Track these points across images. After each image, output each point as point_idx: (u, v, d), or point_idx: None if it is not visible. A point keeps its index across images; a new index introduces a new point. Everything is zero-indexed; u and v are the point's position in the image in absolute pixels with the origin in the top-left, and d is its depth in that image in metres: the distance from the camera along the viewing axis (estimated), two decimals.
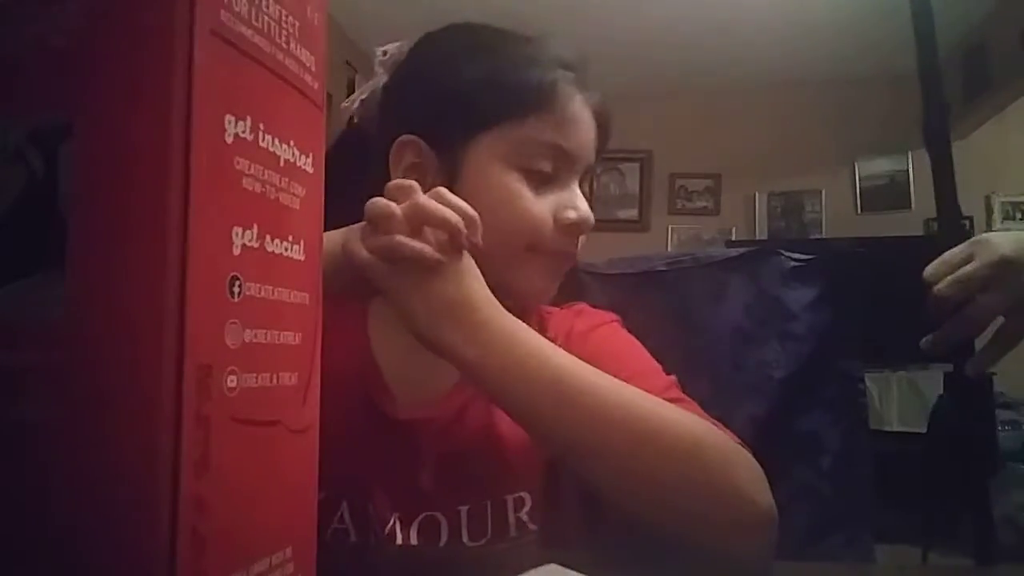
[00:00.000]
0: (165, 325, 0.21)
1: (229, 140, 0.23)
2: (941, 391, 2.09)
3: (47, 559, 0.22)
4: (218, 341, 0.23)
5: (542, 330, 0.63)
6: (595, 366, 0.53)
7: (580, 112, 0.67)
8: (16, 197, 0.21)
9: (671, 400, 0.56)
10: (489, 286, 0.54)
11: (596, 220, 0.68)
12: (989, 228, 4.02)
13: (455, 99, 0.65)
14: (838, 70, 3.88)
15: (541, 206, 0.65)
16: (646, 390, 0.54)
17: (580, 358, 0.53)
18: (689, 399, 0.62)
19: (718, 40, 3.70)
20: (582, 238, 0.68)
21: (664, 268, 0.93)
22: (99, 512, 0.21)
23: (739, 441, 0.55)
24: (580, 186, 0.69)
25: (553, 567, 0.32)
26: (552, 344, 0.54)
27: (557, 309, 0.75)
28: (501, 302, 0.54)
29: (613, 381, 0.53)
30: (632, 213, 4.42)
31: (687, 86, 4.20)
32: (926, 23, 1.15)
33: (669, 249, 4.27)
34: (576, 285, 0.82)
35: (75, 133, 0.21)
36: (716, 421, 0.57)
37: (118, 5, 0.22)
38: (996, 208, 4.02)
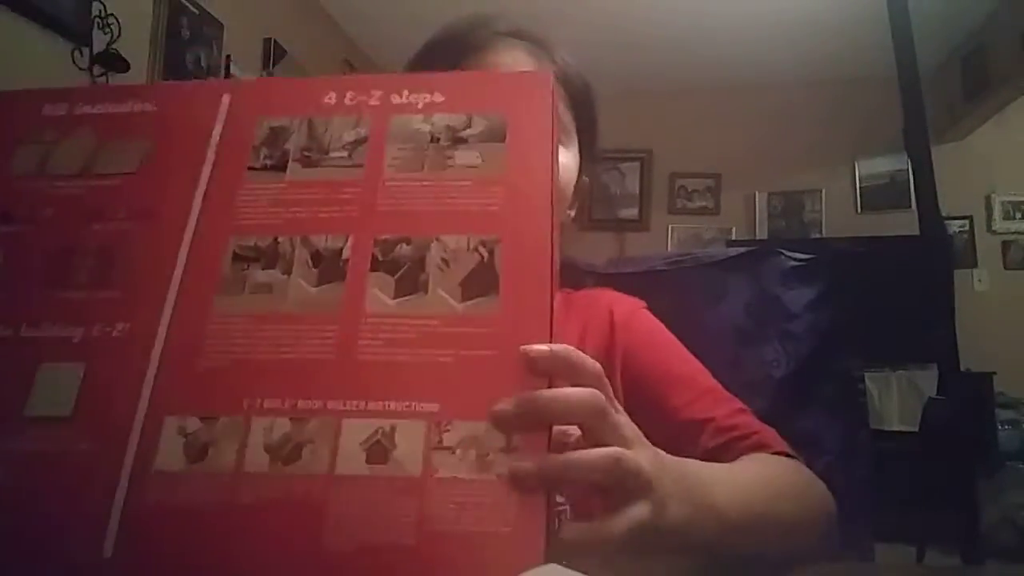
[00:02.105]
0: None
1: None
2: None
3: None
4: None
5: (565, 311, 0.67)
6: (642, 354, 0.60)
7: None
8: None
9: (737, 411, 0.63)
10: None
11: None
12: (989, 228, 4.03)
13: None
14: (838, 70, 3.88)
15: None
16: (711, 412, 0.62)
17: (629, 344, 0.60)
18: (735, 399, 0.67)
19: (719, 40, 3.70)
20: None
21: (664, 268, 0.93)
22: None
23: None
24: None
25: (553, 567, 0.32)
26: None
27: (575, 292, 0.76)
28: None
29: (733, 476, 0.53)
30: (632, 213, 4.41)
31: (687, 86, 4.20)
32: (905, 31, 1.15)
33: (669, 249, 4.27)
34: (577, 285, 0.82)
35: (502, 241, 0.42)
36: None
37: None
38: (996, 208, 4.02)
